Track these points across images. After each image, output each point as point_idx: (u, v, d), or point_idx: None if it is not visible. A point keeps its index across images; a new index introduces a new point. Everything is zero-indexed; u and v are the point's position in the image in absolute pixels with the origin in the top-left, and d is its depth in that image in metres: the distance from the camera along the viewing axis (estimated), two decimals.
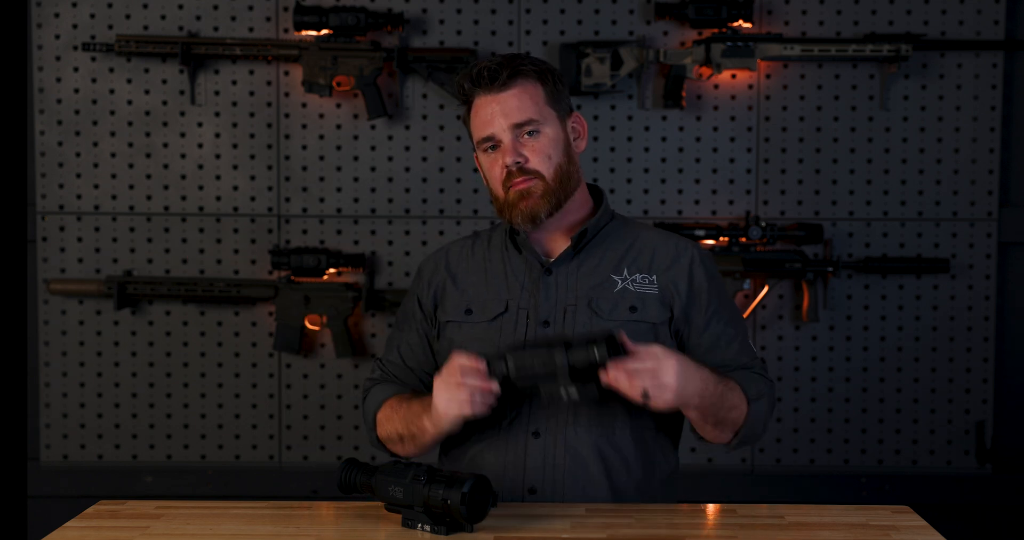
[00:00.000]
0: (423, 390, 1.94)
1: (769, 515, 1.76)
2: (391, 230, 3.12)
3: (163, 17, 3.08)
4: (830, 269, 3.03)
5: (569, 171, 1.90)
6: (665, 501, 1.92)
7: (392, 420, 1.89)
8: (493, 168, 1.90)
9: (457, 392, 1.72)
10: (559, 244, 1.94)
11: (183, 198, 3.12)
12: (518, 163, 1.86)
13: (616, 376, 1.68)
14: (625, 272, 1.92)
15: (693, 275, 1.92)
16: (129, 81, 3.10)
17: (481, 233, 2.05)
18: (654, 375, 1.69)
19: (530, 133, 1.88)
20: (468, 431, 1.87)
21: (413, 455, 1.92)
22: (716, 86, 3.10)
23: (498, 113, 1.87)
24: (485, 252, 1.99)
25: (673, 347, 1.89)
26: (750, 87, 3.10)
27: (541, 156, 1.88)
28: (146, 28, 3.08)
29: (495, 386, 1.72)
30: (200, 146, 3.12)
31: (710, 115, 3.11)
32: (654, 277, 1.91)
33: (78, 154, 3.11)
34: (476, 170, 1.89)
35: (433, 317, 1.98)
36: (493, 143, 1.89)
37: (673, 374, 1.70)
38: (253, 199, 3.12)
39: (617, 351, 1.68)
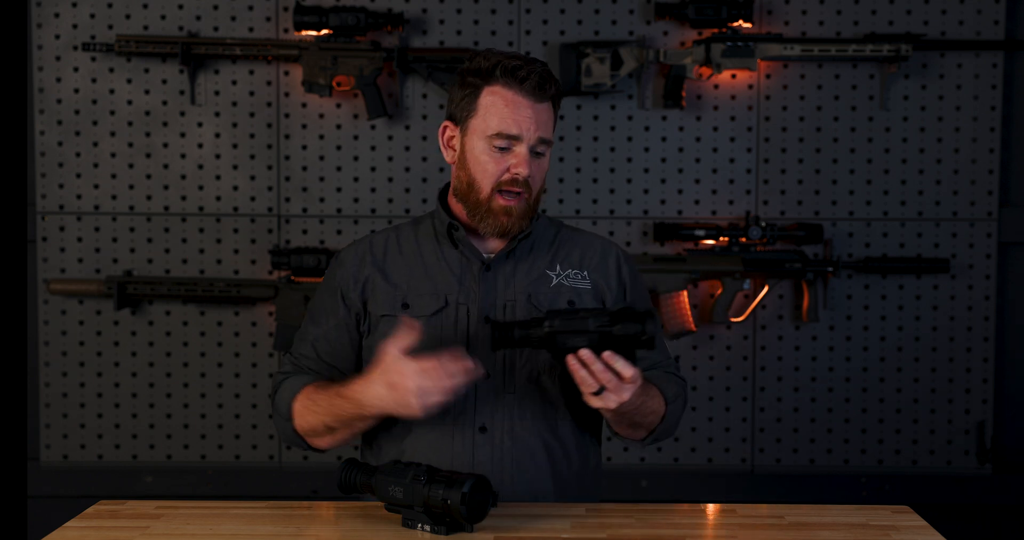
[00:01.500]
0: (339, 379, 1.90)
1: (769, 515, 1.76)
2: None
3: (163, 17, 3.08)
4: (830, 269, 3.03)
5: (541, 195, 1.92)
6: (596, 491, 1.96)
7: (314, 411, 1.83)
8: (493, 165, 1.86)
9: (434, 392, 1.68)
10: (493, 240, 1.94)
11: (183, 198, 3.12)
12: (527, 177, 1.85)
13: (591, 360, 1.68)
14: (558, 268, 1.94)
15: (620, 271, 1.97)
16: (129, 81, 3.10)
17: (402, 226, 2.02)
18: (618, 383, 1.70)
19: (538, 154, 1.87)
20: (407, 424, 1.86)
21: (334, 447, 1.88)
22: (716, 86, 3.10)
23: (532, 120, 1.84)
24: (413, 246, 1.96)
25: None
26: (750, 87, 3.10)
27: (539, 178, 1.89)
28: (146, 28, 3.08)
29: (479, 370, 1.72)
30: (200, 146, 3.12)
31: (710, 115, 3.11)
32: (586, 273, 1.94)
33: (78, 154, 3.11)
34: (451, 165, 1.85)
35: (362, 311, 1.92)
36: (510, 145, 1.85)
37: (631, 390, 1.71)
38: (253, 199, 3.12)
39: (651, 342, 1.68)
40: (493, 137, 1.85)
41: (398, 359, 1.69)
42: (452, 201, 1.96)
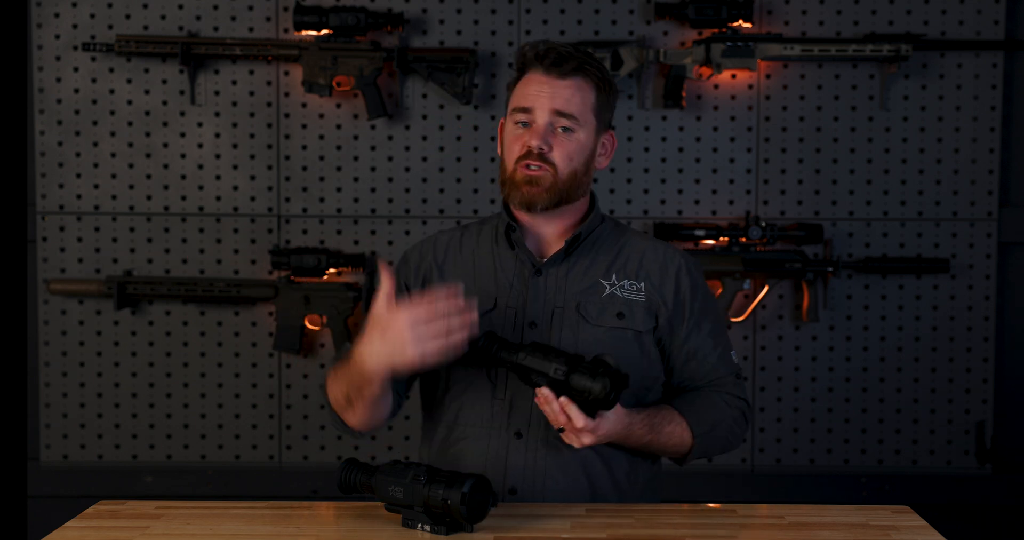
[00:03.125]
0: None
1: (769, 515, 1.76)
2: (391, 230, 3.12)
3: (163, 17, 3.08)
4: (830, 269, 3.03)
5: (582, 180, 1.90)
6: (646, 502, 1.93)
7: (336, 383, 1.83)
8: (514, 143, 1.88)
9: (428, 336, 1.65)
10: (552, 244, 1.94)
11: (183, 198, 3.12)
12: (541, 149, 1.85)
13: (549, 399, 1.70)
14: (614, 277, 1.91)
15: (680, 285, 1.93)
16: (129, 81, 3.10)
17: (470, 226, 2.02)
18: (580, 431, 1.73)
19: (565, 129, 1.87)
20: (451, 427, 1.89)
21: (363, 425, 1.85)
22: (716, 86, 3.10)
23: (547, 94, 1.86)
24: (474, 246, 1.97)
25: (653, 355, 1.91)
26: (750, 87, 3.10)
27: (564, 153, 1.87)
28: (146, 28, 3.08)
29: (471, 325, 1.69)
30: (200, 146, 3.12)
31: (710, 115, 3.11)
32: (642, 285, 1.91)
33: (78, 154, 3.11)
34: (494, 158, 1.86)
35: None
36: (527, 119, 1.87)
37: (591, 440, 1.75)
38: (253, 199, 3.12)
39: (619, 387, 1.70)
40: (513, 113, 1.89)
41: (386, 308, 1.67)
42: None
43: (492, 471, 1.83)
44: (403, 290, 1.96)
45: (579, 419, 1.70)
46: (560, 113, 1.86)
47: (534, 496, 1.83)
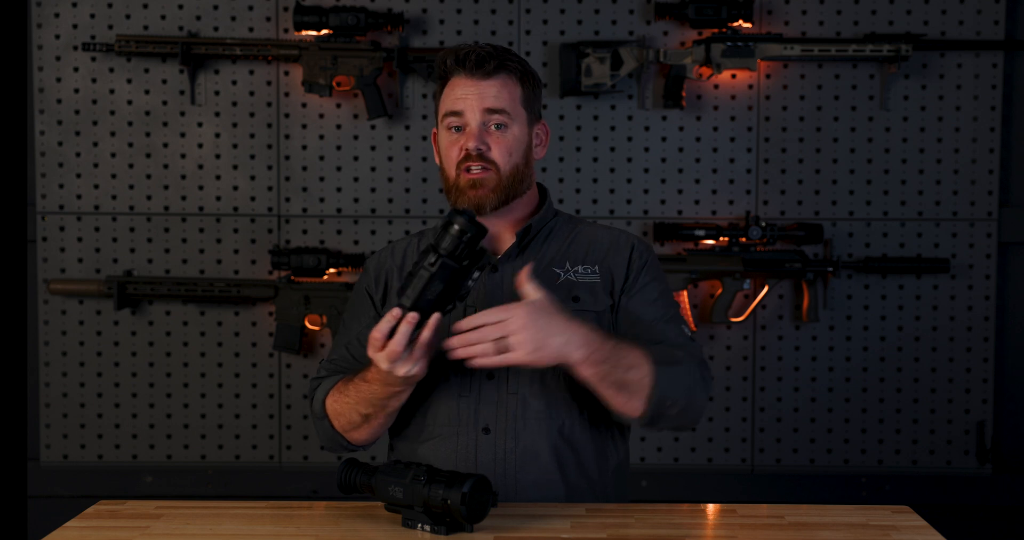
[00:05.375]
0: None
1: (769, 515, 1.76)
2: (391, 230, 3.12)
3: (163, 17, 3.08)
4: (830, 269, 3.03)
5: (524, 173, 1.92)
6: (617, 491, 1.93)
7: (345, 403, 1.84)
8: (451, 149, 1.90)
9: (388, 357, 1.68)
10: (505, 241, 1.95)
11: (183, 198, 3.12)
12: (479, 150, 1.87)
13: (465, 339, 1.68)
14: (567, 264, 1.93)
15: (631, 259, 1.94)
16: (129, 81, 3.10)
17: (424, 232, 2.06)
18: (503, 327, 1.67)
19: (498, 126, 1.89)
20: (419, 429, 1.89)
21: (371, 438, 1.88)
22: (716, 86, 3.10)
23: (474, 95, 1.88)
24: None
25: (616, 332, 1.88)
26: (750, 87, 3.10)
27: (503, 150, 1.89)
28: (146, 28, 3.09)
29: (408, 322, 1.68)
30: (200, 146, 3.12)
31: (710, 115, 3.11)
32: (595, 266, 1.93)
33: (78, 154, 3.11)
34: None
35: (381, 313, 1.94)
36: (459, 123, 1.89)
37: (521, 322, 1.67)
38: (253, 199, 3.12)
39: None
40: (445, 119, 1.92)
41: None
42: None
43: (463, 468, 1.84)
44: (366, 299, 1.99)
45: (494, 313, 1.68)
46: (491, 110, 1.88)
47: (506, 489, 1.83)
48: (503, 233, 1.96)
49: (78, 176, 3.11)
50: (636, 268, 1.94)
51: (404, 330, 1.66)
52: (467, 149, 1.87)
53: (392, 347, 1.67)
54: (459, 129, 1.90)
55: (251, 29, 3.09)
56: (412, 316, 1.66)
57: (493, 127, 1.89)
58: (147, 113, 3.11)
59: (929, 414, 3.13)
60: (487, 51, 1.90)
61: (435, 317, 1.67)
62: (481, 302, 1.89)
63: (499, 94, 1.89)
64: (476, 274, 1.68)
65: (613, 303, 1.92)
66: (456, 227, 1.65)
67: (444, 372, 1.86)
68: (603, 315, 1.90)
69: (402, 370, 1.70)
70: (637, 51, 3.03)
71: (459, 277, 1.67)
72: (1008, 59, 3.10)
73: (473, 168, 1.87)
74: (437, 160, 1.98)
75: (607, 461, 1.92)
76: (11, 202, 3.16)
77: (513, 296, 1.85)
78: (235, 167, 3.12)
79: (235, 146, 3.12)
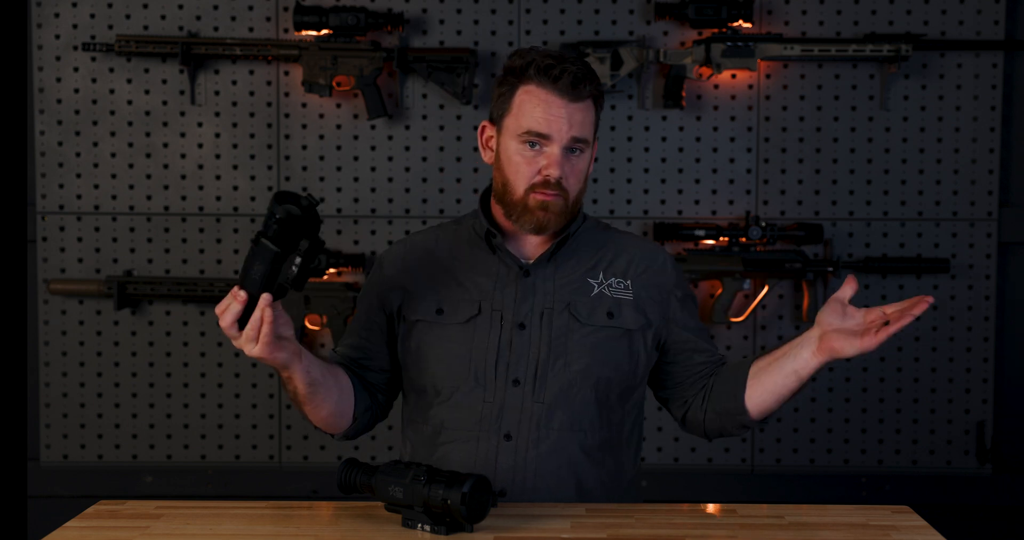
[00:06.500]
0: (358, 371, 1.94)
1: (769, 515, 1.76)
2: (391, 230, 3.12)
3: (163, 17, 3.08)
4: (830, 269, 3.03)
5: (582, 194, 1.89)
6: (629, 500, 1.94)
7: None
8: (526, 166, 1.83)
9: (236, 337, 1.67)
10: (533, 245, 1.91)
11: (183, 198, 3.12)
12: (559, 178, 1.82)
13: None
14: (601, 276, 1.91)
15: (666, 280, 1.94)
16: (129, 81, 3.10)
17: (445, 226, 2.00)
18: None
19: (574, 150, 1.84)
20: (438, 430, 1.88)
21: (329, 422, 1.89)
22: (716, 86, 3.10)
23: (565, 119, 1.81)
24: (451, 249, 1.94)
25: (640, 355, 1.90)
26: (750, 87, 3.10)
27: (577, 178, 1.85)
28: (146, 28, 3.09)
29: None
30: (200, 146, 3.12)
31: (710, 115, 3.11)
32: (628, 282, 1.91)
33: (78, 154, 3.11)
34: (490, 165, 1.83)
35: (397, 314, 1.92)
36: (541, 142, 1.82)
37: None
38: (253, 199, 3.12)
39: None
40: (524, 135, 1.83)
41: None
42: (493, 202, 1.92)
43: (480, 473, 1.83)
44: (375, 296, 1.95)
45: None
46: (577, 139, 1.83)
47: (524, 497, 1.83)
48: (531, 238, 1.91)
49: (78, 176, 3.11)
50: (680, 296, 1.94)
51: (234, 308, 1.65)
52: (548, 176, 1.82)
53: (221, 322, 1.66)
54: (535, 145, 1.83)
55: (251, 29, 3.09)
56: (240, 295, 1.65)
57: (570, 152, 1.84)
58: (147, 113, 3.11)
59: (929, 414, 3.13)
60: (581, 71, 1.82)
61: (264, 297, 1.65)
62: (509, 307, 1.86)
63: (584, 121, 1.83)
64: (298, 260, 1.66)
65: (645, 322, 1.90)
66: (272, 213, 1.65)
67: (468, 376, 1.86)
68: (634, 334, 1.89)
69: (246, 348, 1.67)
70: (637, 51, 3.03)
71: (279, 261, 1.66)
72: (1008, 59, 3.11)
73: (548, 193, 1.83)
74: (485, 157, 1.92)
75: (623, 475, 1.92)
76: (11, 202, 3.17)
77: (543, 304, 1.86)
78: (235, 167, 3.12)
79: (235, 146, 3.12)
